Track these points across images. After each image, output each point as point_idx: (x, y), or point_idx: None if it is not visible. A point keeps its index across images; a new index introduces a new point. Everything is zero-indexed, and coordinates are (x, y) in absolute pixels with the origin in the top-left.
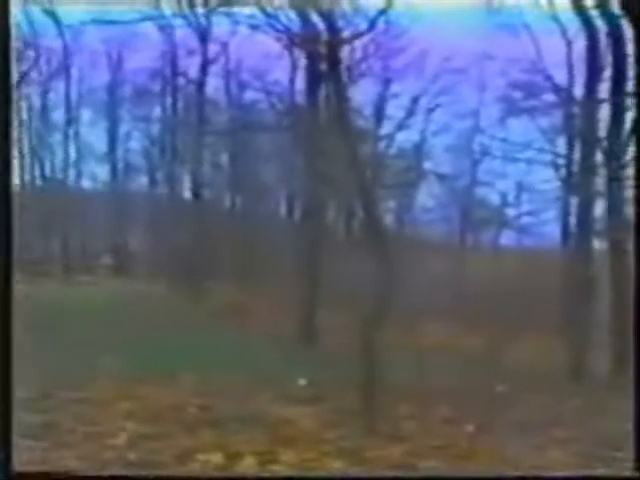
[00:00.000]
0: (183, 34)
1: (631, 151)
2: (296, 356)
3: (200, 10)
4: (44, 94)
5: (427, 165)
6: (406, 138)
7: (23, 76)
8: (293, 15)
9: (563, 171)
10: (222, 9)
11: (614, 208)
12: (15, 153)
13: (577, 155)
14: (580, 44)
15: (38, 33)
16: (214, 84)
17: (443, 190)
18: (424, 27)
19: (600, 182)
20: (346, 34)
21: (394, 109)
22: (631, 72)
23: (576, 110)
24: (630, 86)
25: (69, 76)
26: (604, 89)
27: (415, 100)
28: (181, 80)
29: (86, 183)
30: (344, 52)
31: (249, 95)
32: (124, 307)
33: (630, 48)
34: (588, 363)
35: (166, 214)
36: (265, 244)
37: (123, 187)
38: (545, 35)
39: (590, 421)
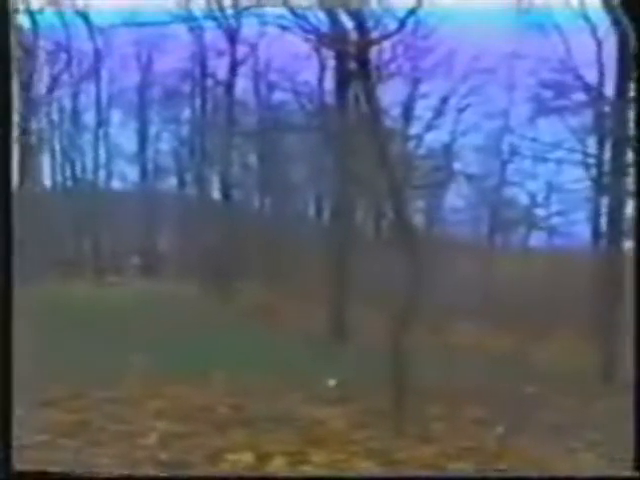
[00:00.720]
0: (212, 35)
1: None
2: (325, 356)
3: (229, 11)
4: (75, 96)
5: (456, 165)
6: (435, 138)
7: (55, 79)
8: (322, 15)
9: (593, 171)
10: (251, 10)
11: None
12: (46, 154)
13: (608, 155)
14: (611, 43)
15: (70, 35)
16: (243, 85)
17: (472, 190)
18: (453, 27)
19: (631, 182)
20: (375, 34)
21: (423, 109)
22: None
23: (606, 109)
24: None
25: (99, 78)
26: (635, 88)
27: (444, 100)
28: (210, 81)
29: (116, 184)
30: (373, 52)
31: (278, 96)
32: (154, 307)
33: None
34: (618, 365)
35: (195, 215)
36: (294, 244)
37: (153, 188)
38: (575, 34)
39: (620, 423)
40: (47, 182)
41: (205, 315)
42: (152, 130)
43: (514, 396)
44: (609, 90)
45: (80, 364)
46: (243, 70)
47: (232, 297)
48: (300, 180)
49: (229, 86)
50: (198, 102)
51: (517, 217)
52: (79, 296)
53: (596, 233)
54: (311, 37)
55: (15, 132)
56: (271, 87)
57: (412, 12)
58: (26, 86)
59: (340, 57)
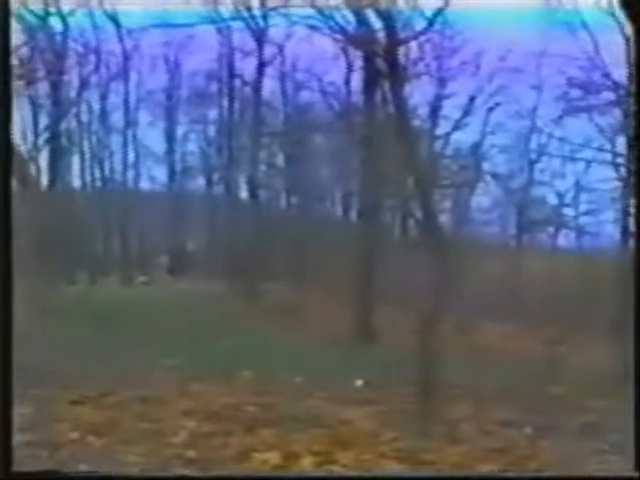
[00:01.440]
0: (240, 36)
1: None
2: (352, 356)
3: (257, 12)
4: (104, 97)
5: (484, 165)
6: (462, 138)
7: (84, 80)
8: (349, 15)
9: (622, 170)
10: (278, 10)
11: None
12: (76, 156)
13: (637, 154)
14: None
15: (99, 37)
16: (270, 85)
17: (500, 190)
18: (480, 26)
19: None
20: (403, 34)
21: (450, 109)
22: None
23: (635, 108)
24: None
25: (128, 79)
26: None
27: (471, 100)
28: (238, 82)
29: (145, 184)
30: (400, 52)
31: (305, 96)
32: (182, 306)
33: None
34: None
35: (223, 215)
36: (321, 244)
37: (180, 188)
38: (603, 32)
39: None
40: (77, 183)
41: (232, 314)
42: (180, 131)
43: (542, 397)
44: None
45: (109, 363)
46: (270, 71)
47: (259, 297)
48: (327, 180)
49: (256, 86)
50: (225, 103)
51: (545, 217)
52: (108, 295)
53: (625, 233)
54: (338, 37)
55: (45, 134)
56: (298, 87)
57: (440, 12)
58: (56, 88)
59: (367, 57)
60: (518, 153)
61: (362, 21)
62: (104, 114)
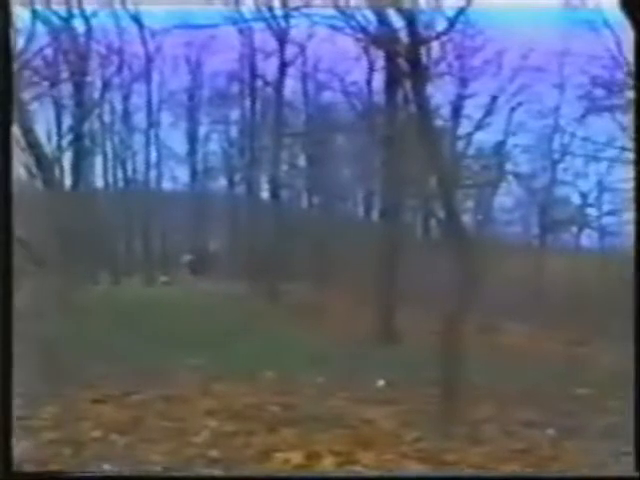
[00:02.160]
0: (261, 36)
1: None
2: (374, 356)
3: (278, 12)
4: (126, 98)
5: (506, 165)
6: (485, 137)
7: (107, 81)
8: (371, 15)
9: None
10: (300, 10)
11: None
12: (99, 156)
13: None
14: None
15: (122, 38)
16: (292, 86)
17: (522, 190)
18: (502, 25)
19: None
20: (425, 34)
21: (472, 108)
22: None
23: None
24: None
25: (150, 80)
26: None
27: (493, 99)
28: (259, 82)
29: (167, 184)
30: (422, 51)
31: (327, 96)
32: (203, 307)
33: None
34: None
35: (244, 215)
36: (342, 244)
37: (202, 188)
38: (626, 30)
39: None
40: (100, 183)
41: (254, 314)
42: (202, 131)
43: (565, 398)
44: None
45: (132, 362)
46: (292, 71)
47: (281, 297)
48: (349, 180)
49: (278, 87)
50: (247, 103)
51: (568, 217)
52: (131, 295)
53: None
54: (360, 37)
55: (69, 135)
56: (320, 87)
57: (462, 11)
58: (79, 89)
59: (389, 57)
60: (541, 153)
61: (384, 21)
62: (127, 115)
